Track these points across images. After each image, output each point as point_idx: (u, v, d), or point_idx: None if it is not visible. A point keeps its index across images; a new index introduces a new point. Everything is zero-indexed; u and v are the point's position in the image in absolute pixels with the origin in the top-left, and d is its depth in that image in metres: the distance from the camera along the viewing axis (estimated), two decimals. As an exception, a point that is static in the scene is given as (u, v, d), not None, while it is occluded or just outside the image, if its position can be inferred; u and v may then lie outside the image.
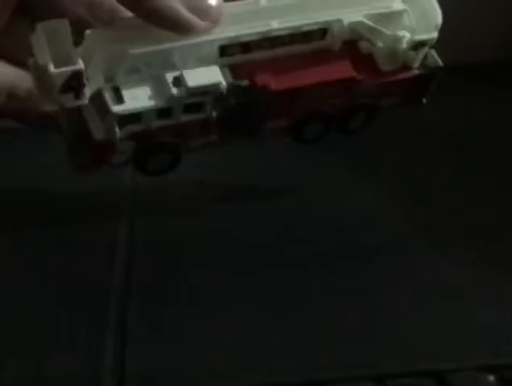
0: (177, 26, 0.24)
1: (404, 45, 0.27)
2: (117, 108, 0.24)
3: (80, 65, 0.23)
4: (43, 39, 0.23)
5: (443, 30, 0.27)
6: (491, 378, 0.19)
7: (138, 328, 0.22)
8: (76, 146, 0.24)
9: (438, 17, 0.27)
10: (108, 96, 0.24)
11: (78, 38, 0.24)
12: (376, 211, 0.29)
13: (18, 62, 0.25)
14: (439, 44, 0.28)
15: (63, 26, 0.23)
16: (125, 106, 0.24)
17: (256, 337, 0.21)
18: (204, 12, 0.25)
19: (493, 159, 0.31)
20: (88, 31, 0.24)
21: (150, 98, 0.24)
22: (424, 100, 0.29)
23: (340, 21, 0.27)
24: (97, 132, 0.24)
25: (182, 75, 0.25)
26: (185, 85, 0.25)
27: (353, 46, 0.28)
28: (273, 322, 0.22)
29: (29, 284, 0.23)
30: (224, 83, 0.25)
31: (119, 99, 0.24)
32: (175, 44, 0.25)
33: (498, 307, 0.23)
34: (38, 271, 0.24)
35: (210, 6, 0.25)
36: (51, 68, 0.23)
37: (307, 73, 0.27)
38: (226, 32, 0.26)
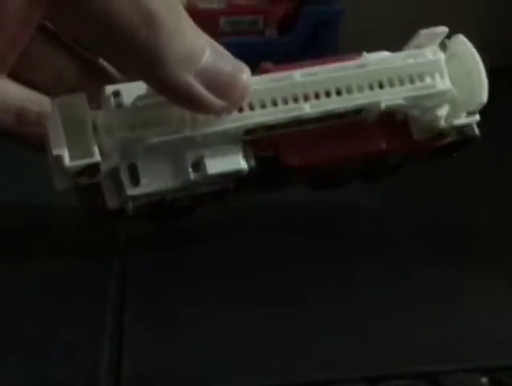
0: (191, 104, 0.23)
1: (443, 123, 0.27)
2: (132, 191, 0.24)
3: (97, 157, 0.23)
4: (57, 121, 0.23)
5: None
6: (484, 380, 0.19)
7: (134, 331, 0.22)
8: (89, 208, 0.25)
9: (484, 95, 0.27)
10: (124, 176, 0.24)
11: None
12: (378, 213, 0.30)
13: (30, 83, 0.25)
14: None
15: (81, 104, 0.24)
16: (141, 189, 0.24)
17: (254, 341, 0.21)
18: (223, 91, 0.23)
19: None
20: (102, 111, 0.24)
21: (167, 179, 0.25)
22: (454, 154, 0.29)
23: (377, 103, 0.26)
24: (111, 201, 0.25)
25: (202, 160, 0.25)
26: (204, 172, 0.25)
27: (387, 114, 0.27)
28: (271, 325, 0.22)
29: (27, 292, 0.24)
30: (246, 167, 0.25)
31: (135, 178, 0.24)
32: (194, 132, 0.24)
33: (492, 309, 0.23)
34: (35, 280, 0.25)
35: (232, 84, 0.24)
36: (67, 162, 0.23)
37: (334, 146, 0.26)
38: (252, 117, 0.25)
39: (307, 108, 0.25)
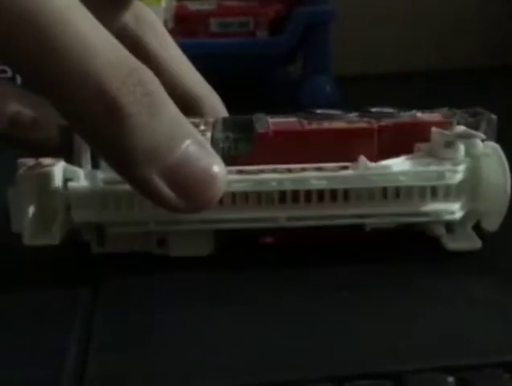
0: (152, 199, 0.23)
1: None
2: (96, 250, 0.27)
3: (56, 241, 0.25)
4: (23, 195, 0.25)
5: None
6: (450, 379, 0.19)
7: (102, 334, 0.22)
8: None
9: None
10: (91, 236, 0.27)
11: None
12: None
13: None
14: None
15: (54, 177, 0.25)
16: (106, 249, 0.27)
17: (224, 341, 0.21)
18: (189, 195, 0.22)
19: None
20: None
21: (133, 245, 0.27)
22: None
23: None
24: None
25: (167, 240, 0.27)
26: (168, 252, 0.27)
27: None
28: (241, 324, 0.22)
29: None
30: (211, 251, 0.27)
31: (101, 238, 0.27)
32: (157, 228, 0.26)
33: (461, 308, 0.23)
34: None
35: (200, 191, 0.22)
36: (26, 240, 0.25)
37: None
38: (223, 221, 0.26)
39: (283, 220, 0.26)
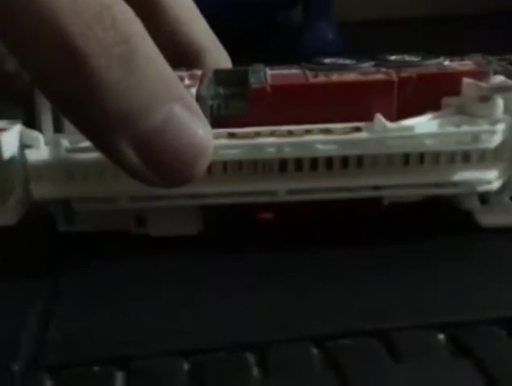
0: (124, 170, 0.19)
1: None
2: (63, 228, 0.24)
3: (13, 221, 0.22)
4: None
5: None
6: (441, 337, 0.17)
7: (67, 298, 0.21)
8: None
9: None
10: (57, 213, 0.24)
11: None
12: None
13: None
14: None
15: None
16: (74, 228, 0.24)
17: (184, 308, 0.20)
18: (164, 171, 0.19)
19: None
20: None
21: (104, 223, 0.24)
22: None
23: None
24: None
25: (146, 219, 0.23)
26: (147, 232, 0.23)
27: None
28: (211, 293, 0.21)
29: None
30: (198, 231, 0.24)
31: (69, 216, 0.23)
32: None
33: (453, 264, 0.21)
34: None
35: (183, 161, 0.18)
36: None
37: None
38: (211, 196, 0.22)
39: (282, 194, 0.22)
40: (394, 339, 0.17)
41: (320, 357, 0.17)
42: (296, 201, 0.22)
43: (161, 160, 0.18)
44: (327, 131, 0.22)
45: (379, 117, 0.22)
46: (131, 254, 0.22)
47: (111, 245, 0.23)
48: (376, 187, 0.22)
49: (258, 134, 0.22)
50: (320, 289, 0.20)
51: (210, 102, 0.23)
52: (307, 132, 0.22)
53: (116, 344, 0.18)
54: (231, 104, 0.23)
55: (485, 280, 0.20)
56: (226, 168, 0.22)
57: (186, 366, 0.17)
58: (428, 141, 0.22)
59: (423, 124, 0.22)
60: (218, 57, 0.27)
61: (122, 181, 0.21)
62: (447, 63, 0.24)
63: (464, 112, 0.22)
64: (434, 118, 0.22)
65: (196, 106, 0.19)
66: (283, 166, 0.22)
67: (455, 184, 0.22)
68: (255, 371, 0.17)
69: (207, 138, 0.19)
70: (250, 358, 0.17)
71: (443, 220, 0.24)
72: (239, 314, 0.19)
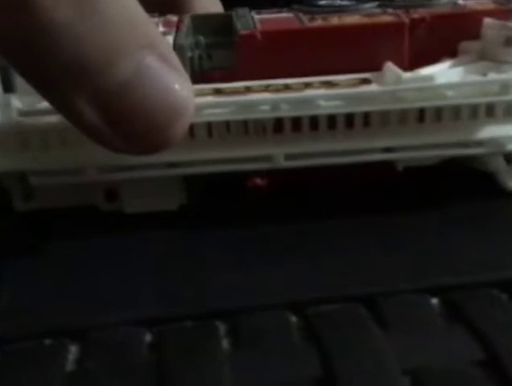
0: (86, 135, 0.16)
1: None
2: (20, 206, 0.20)
3: None
4: None
5: None
6: (434, 301, 0.16)
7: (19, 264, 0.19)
8: None
9: None
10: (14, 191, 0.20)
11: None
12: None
13: None
14: None
15: None
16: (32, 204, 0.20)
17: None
18: (136, 132, 0.16)
19: None
20: None
21: (68, 199, 0.21)
22: None
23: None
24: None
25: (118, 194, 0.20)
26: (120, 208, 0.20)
27: None
28: (176, 259, 0.19)
29: None
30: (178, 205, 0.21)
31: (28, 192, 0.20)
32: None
33: (444, 225, 0.19)
34: None
35: (156, 123, 0.16)
36: None
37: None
38: (195, 165, 0.19)
39: (281, 160, 0.19)
40: (382, 305, 0.16)
41: (299, 326, 0.15)
42: (294, 167, 0.19)
43: (128, 122, 0.15)
44: (329, 84, 0.19)
45: (390, 66, 0.19)
46: (99, 232, 0.20)
47: (76, 224, 0.20)
48: (387, 149, 0.19)
49: (248, 89, 0.19)
50: (301, 254, 0.18)
51: (190, 53, 0.20)
52: (307, 85, 0.19)
53: (70, 315, 0.16)
54: (215, 55, 0.20)
55: (491, 242, 0.18)
56: (211, 131, 0.19)
57: (148, 337, 0.16)
58: (450, 93, 0.18)
59: (442, 73, 0.19)
60: (207, 2, 0.24)
61: (88, 148, 0.18)
62: (461, 1, 0.21)
63: (485, 59, 0.20)
64: (454, 66, 0.19)
65: (173, 56, 0.16)
66: (279, 126, 0.19)
67: (478, 143, 0.19)
68: (225, 343, 0.15)
69: (186, 95, 0.16)
70: (221, 327, 0.16)
71: (462, 184, 0.21)
72: (209, 281, 0.17)
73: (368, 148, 0.19)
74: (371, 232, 0.19)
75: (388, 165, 0.20)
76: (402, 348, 0.14)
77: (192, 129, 0.19)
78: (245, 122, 0.19)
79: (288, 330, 0.15)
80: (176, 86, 0.16)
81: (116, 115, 0.15)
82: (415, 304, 0.16)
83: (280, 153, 0.19)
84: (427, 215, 0.20)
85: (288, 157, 0.19)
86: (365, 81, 0.19)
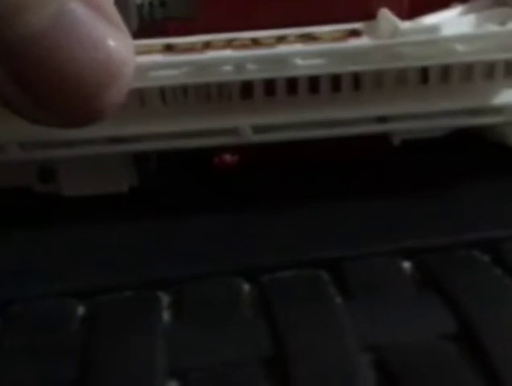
0: (5, 106, 0.14)
1: None
2: None
3: None
4: None
5: None
6: (406, 265, 0.14)
7: None
8: None
9: None
10: None
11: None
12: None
13: None
14: None
15: None
16: None
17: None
18: (56, 97, 0.13)
19: None
20: None
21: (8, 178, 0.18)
22: None
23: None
24: None
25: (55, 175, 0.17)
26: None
27: None
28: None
29: None
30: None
31: None
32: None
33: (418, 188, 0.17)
34: None
35: (77, 90, 0.13)
36: None
37: None
38: (145, 140, 0.16)
39: (251, 135, 0.16)
40: (346, 270, 0.14)
41: (251, 295, 0.14)
42: (267, 142, 0.16)
43: (47, 85, 0.13)
44: (309, 37, 0.15)
45: (386, 14, 0.15)
46: (33, 216, 0.18)
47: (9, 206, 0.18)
48: (381, 119, 0.16)
49: (207, 45, 0.15)
50: (257, 218, 0.17)
51: (137, 1, 0.16)
52: (280, 40, 0.15)
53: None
54: (169, 2, 0.17)
55: (480, 202, 0.17)
56: (165, 97, 0.16)
57: (81, 310, 0.14)
58: (460, 48, 0.15)
59: (450, 22, 0.15)
60: None
61: (11, 121, 0.14)
62: None
63: (503, 4, 0.16)
64: (464, 13, 0.15)
65: (107, 3, 0.14)
66: (247, 91, 0.16)
67: (495, 110, 0.16)
68: (166, 315, 0.14)
69: (122, 53, 0.13)
70: (163, 298, 0.14)
71: (474, 161, 0.18)
72: (151, 250, 0.16)
73: (358, 117, 0.16)
74: (341, 198, 0.17)
75: (382, 138, 0.16)
76: (366, 321, 0.13)
77: (140, 95, 0.15)
78: (205, 86, 0.15)
79: (238, 301, 0.14)
80: (110, 41, 0.13)
81: (31, 76, 0.13)
82: (384, 269, 0.14)
83: (248, 124, 0.16)
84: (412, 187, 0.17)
85: (259, 129, 0.16)
86: (354, 33, 0.15)
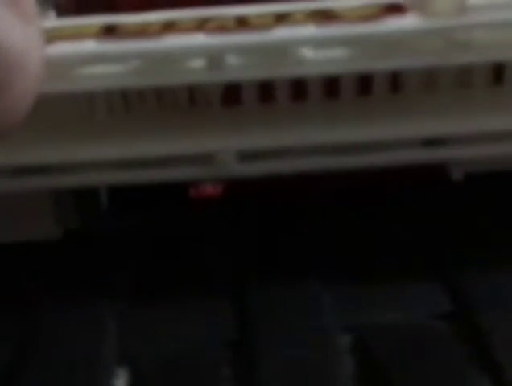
0: None
1: None
2: None
3: None
4: None
5: None
6: None
7: None
8: None
9: None
10: None
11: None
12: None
13: None
14: None
15: None
16: None
17: None
18: None
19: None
20: None
21: None
22: None
23: None
24: None
25: None
26: None
27: None
28: None
29: None
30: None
31: None
32: None
33: None
34: None
35: None
36: None
37: None
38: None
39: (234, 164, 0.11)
40: None
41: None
42: (259, 175, 0.11)
43: None
44: (324, 16, 0.11)
45: None
46: None
47: None
48: (430, 142, 0.11)
49: (168, 27, 0.10)
50: None
51: None
52: (280, 19, 0.10)
53: None
54: None
55: None
56: (112, 107, 0.11)
57: None
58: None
59: None
60: None
61: None
62: None
63: None
64: None
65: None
66: (231, 98, 0.11)
67: None
68: None
69: (22, 45, 0.10)
70: None
71: None
72: None
73: (399, 138, 0.10)
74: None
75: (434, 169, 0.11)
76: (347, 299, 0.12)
77: (73, 103, 0.10)
78: (171, 92, 0.10)
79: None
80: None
81: None
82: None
83: (233, 151, 0.10)
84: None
85: (245, 156, 0.10)
86: (394, 9, 0.10)
